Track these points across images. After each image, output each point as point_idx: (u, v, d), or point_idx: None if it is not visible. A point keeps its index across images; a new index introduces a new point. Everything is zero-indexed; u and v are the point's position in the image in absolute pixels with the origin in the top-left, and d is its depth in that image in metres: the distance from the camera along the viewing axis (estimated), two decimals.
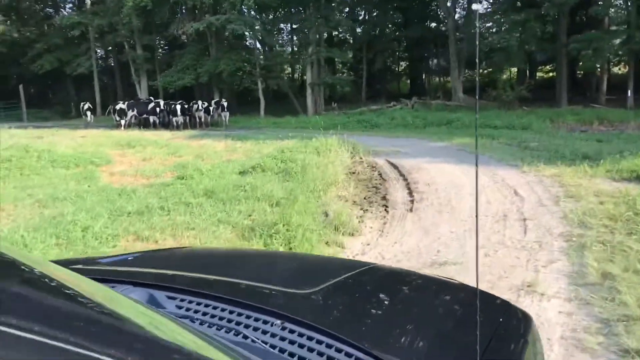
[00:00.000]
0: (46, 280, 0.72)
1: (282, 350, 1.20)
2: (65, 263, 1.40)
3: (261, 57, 31.20)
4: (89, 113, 25.17)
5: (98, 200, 7.32)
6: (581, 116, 20.47)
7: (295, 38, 35.85)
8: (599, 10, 22.25)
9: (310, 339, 1.25)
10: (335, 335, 1.26)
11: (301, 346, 1.22)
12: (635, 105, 21.78)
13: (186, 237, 5.73)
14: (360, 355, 1.20)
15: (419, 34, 32.79)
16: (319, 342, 1.24)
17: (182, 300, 1.46)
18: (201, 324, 1.32)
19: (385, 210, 7.31)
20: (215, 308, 1.41)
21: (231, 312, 1.38)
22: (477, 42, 1.97)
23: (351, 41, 37.43)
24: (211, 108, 24.08)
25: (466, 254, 5.27)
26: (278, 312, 1.38)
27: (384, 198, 7.98)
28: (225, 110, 23.92)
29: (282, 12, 32.06)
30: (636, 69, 23.11)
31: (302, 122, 23.44)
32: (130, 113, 23.58)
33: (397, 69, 42.46)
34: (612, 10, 23.78)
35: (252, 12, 30.03)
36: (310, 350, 1.21)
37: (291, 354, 1.19)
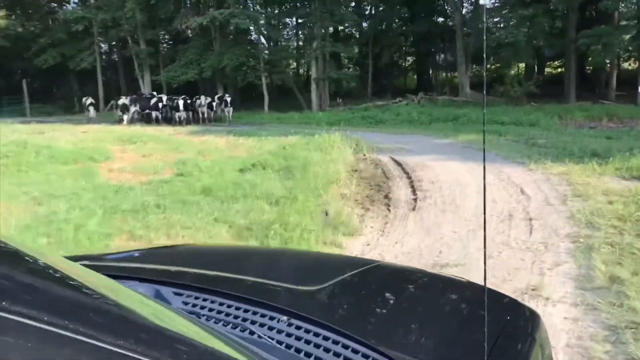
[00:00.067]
0: (50, 271, 0.71)
1: (288, 347, 1.20)
2: (71, 259, 1.32)
3: (266, 51, 31.03)
4: (91, 108, 25.04)
5: (94, 198, 7.17)
6: (590, 112, 20.17)
7: (300, 33, 35.61)
8: (609, 4, 21.85)
9: (316, 335, 1.25)
10: (341, 331, 1.26)
11: (308, 342, 1.22)
12: None
13: (181, 236, 5.58)
14: (367, 351, 1.19)
15: (425, 29, 32.46)
16: (326, 338, 1.23)
17: (188, 296, 1.46)
18: (207, 319, 1.31)
19: (387, 209, 7.14)
20: (221, 304, 1.41)
21: (237, 309, 1.38)
22: (485, 37, 1.82)
23: (357, 36, 37.14)
24: (214, 103, 23.88)
25: (469, 255, 5.09)
26: (284, 308, 1.38)
27: (386, 196, 7.80)
28: (229, 105, 23.71)
29: (287, 6, 31.79)
30: None
31: (306, 117, 23.25)
32: (132, 108, 23.42)
33: (403, 64, 42.13)
34: (623, 4, 23.35)
35: (257, 7, 29.87)
36: (317, 346, 1.21)
37: (297, 350, 1.19)
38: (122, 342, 0.62)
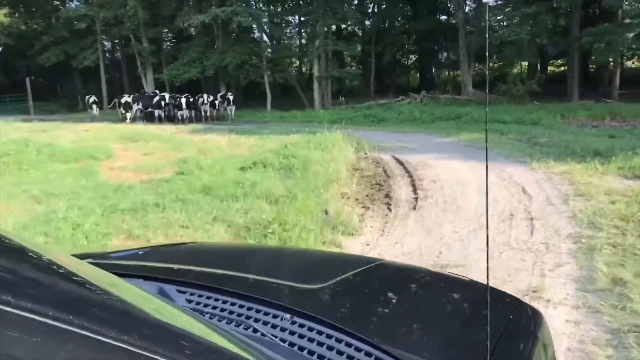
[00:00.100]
0: (54, 267, 0.71)
1: (291, 344, 1.20)
2: (75, 257, 1.29)
3: (268, 50, 30.93)
4: (94, 106, 25.06)
5: (93, 197, 7.15)
6: (593, 111, 20.03)
7: (303, 31, 35.47)
8: (613, 2, 21.69)
9: (319, 333, 1.25)
10: (344, 329, 1.26)
11: (311, 340, 1.22)
12: None
13: (179, 236, 5.54)
14: (370, 349, 1.19)
15: (428, 27, 32.32)
16: (329, 336, 1.24)
17: (192, 294, 1.46)
18: (211, 317, 1.31)
19: (387, 208, 7.09)
20: (225, 302, 1.41)
21: (241, 307, 1.38)
22: (487, 35, 1.79)
23: (360, 34, 37.01)
24: (217, 102, 23.83)
25: (469, 256, 5.04)
26: (287, 306, 1.38)
27: (387, 195, 7.75)
28: (231, 103, 23.67)
29: (290, 4, 31.71)
30: None
31: (308, 116, 23.18)
32: (135, 106, 23.41)
33: (406, 62, 41.95)
34: (626, 2, 23.22)
35: (260, 5, 29.80)
36: (320, 344, 1.21)
37: (300, 348, 1.19)
38: (125, 337, 0.62)
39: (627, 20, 23.64)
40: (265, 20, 29.57)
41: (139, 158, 11.27)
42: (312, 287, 1.66)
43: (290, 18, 34.28)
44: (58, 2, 37.43)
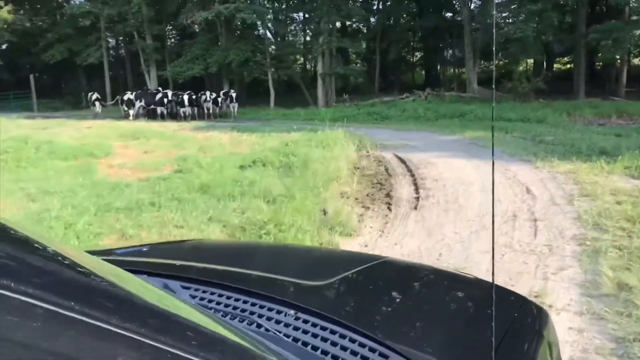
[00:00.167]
0: (59, 257, 0.71)
1: (295, 340, 1.20)
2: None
3: (272, 47, 30.79)
4: (97, 103, 24.98)
5: (89, 195, 7.03)
6: (599, 109, 19.83)
7: (307, 28, 35.29)
8: None
9: (323, 329, 1.25)
10: (348, 325, 1.26)
11: (315, 336, 1.22)
12: None
13: (173, 236, 5.41)
14: (374, 345, 1.19)
15: (434, 24, 32.06)
16: (333, 332, 1.24)
17: (196, 290, 1.47)
18: (215, 312, 1.31)
19: (388, 208, 6.94)
20: (229, 298, 1.41)
21: (245, 302, 1.38)
22: (494, 30, 1.68)
23: (365, 31, 36.80)
24: (219, 99, 23.74)
25: (470, 257, 4.90)
26: (291, 302, 1.38)
27: (388, 195, 7.61)
28: (234, 101, 23.55)
29: (294, 0, 31.52)
30: None
31: (312, 114, 22.98)
32: (138, 104, 23.33)
33: (411, 59, 41.72)
34: None
35: (264, 1, 29.63)
36: (324, 339, 1.20)
37: (304, 343, 1.19)
38: (129, 325, 0.62)
39: (635, 17, 23.36)
40: (269, 17, 29.39)
41: (139, 156, 11.16)
42: (316, 284, 1.66)
43: (294, 15, 34.13)
44: None
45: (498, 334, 1.19)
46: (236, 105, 23.69)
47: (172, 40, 37.45)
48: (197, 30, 31.48)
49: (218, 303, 1.39)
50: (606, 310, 3.65)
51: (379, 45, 33.05)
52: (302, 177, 7.91)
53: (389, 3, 33.65)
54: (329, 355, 1.15)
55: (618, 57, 23.56)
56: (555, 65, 35.78)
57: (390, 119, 21.13)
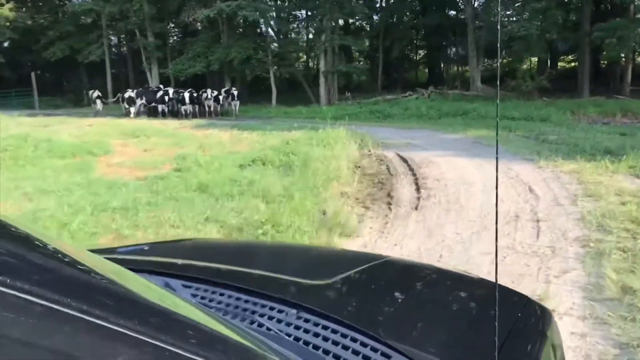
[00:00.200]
0: (60, 255, 0.70)
1: (297, 339, 1.19)
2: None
3: (275, 44, 30.66)
4: (98, 101, 24.90)
5: (85, 194, 6.96)
6: (604, 108, 19.68)
7: (309, 25, 35.14)
8: None
9: (325, 328, 1.24)
10: (350, 324, 1.25)
11: (316, 335, 1.21)
12: None
13: (170, 236, 5.32)
14: (376, 344, 1.18)
15: (437, 22, 31.92)
16: (334, 331, 1.23)
17: (197, 289, 1.46)
18: (216, 311, 1.28)
19: (388, 208, 6.84)
20: (230, 297, 1.41)
21: (246, 301, 1.38)
22: (499, 27, 1.60)
23: (368, 29, 36.65)
24: (221, 97, 23.64)
25: (471, 259, 4.80)
26: (293, 301, 1.37)
27: (388, 195, 7.50)
28: (236, 99, 23.43)
29: None
30: None
31: (313, 112, 22.88)
32: (138, 101, 23.25)
33: (415, 57, 41.53)
34: None
35: None
36: (325, 339, 1.20)
37: (306, 343, 1.18)
38: (128, 323, 0.61)
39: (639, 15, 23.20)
40: (272, 14, 29.28)
41: (138, 154, 11.09)
42: (317, 283, 1.66)
43: (297, 12, 33.99)
44: None
45: (501, 334, 1.19)
46: (237, 103, 23.57)
47: (174, 38, 37.38)
48: (199, 28, 31.34)
49: (219, 302, 1.38)
50: (609, 315, 3.55)
51: (382, 43, 32.92)
52: (302, 177, 7.82)
53: (392, 1, 33.51)
54: (331, 355, 1.15)
55: (623, 55, 23.42)
56: (559, 64, 35.55)
57: (393, 117, 21.01)
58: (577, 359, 3.10)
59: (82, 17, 33.35)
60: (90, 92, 26.11)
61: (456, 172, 8.65)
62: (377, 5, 34.57)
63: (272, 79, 29.01)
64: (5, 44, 36.64)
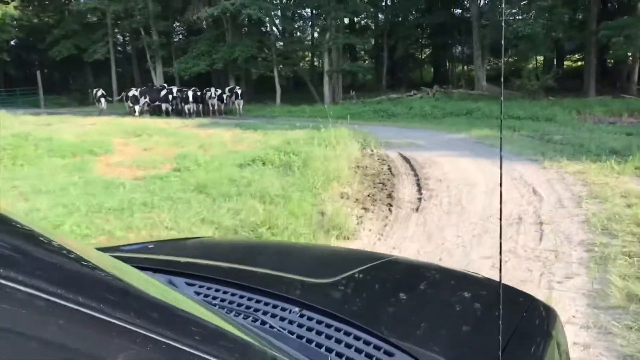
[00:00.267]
0: (64, 251, 0.68)
1: (300, 337, 1.19)
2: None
3: (279, 43, 30.54)
4: (102, 100, 24.87)
5: (81, 194, 6.86)
6: (610, 107, 19.46)
7: (315, 24, 34.99)
8: None
9: (328, 326, 1.24)
10: (353, 323, 1.25)
11: (319, 333, 1.21)
12: None
13: (163, 238, 5.22)
14: (379, 342, 1.18)
15: (442, 20, 31.74)
16: (337, 329, 1.23)
17: (200, 286, 1.46)
18: (220, 309, 1.28)
19: (389, 209, 6.72)
20: (233, 295, 1.41)
21: (250, 299, 1.37)
22: (503, 26, 1.49)
23: (373, 27, 36.47)
24: (225, 95, 23.54)
25: (471, 263, 4.67)
26: (296, 300, 1.37)
27: (389, 196, 7.38)
28: (240, 97, 23.32)
29: None
30: None
31: (317, 111, 22.74)
32: (142, 100, 23.18)
33: (420, 56, 41.33)
34: None
35: None
36: (329, 337, 1.20)
37: (309, 341, 1.18)
38: (132, 319, 0.61)
39: None
40: (277, 13, 29.16)
41: (139, 153, 10.99)
42: (322, 282, 1.65)
43: (302, 11, 33.83)
44: None
45: (505, 334, 1.18)
46: (241, 102, 23.47)
47: (179, 36, 37.35)
48: (204, 27, 31.26)
49: (223, 300, 1.38)
50: (614, 324, 3.41)
51: (387, 42, 32.75)
52: (302, 177, 7.71)
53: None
54: (334, 353, 1.14)
55: (630, 54, 23.13)
56: (565, 63, 35.27)
57: (397, 116, 20.87)
58: None
59: (88, 16, 33.32)
60: (95, 90, 26.08)
61: (459, 172, 8.52)
62: (382, 3, 34.38)
63: (276, 78, 28.89)
64: (12, 43, 36.71)
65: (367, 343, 1.18)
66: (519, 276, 4.32)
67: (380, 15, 34.59)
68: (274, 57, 28.56)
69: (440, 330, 1.38)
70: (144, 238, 5.20)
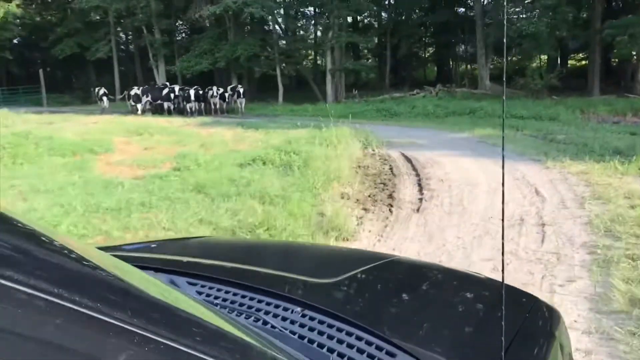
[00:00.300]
0: (65, 250, 0.68)
1: (302, 337, 1.19)
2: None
3: (283, 41, 30.47)
4: (104, 98, 24.86)
5: (79, 194, 6.81)
6: (614, 107, 19.36)
7: (318, 23, 34.91)
8: None
9: (330, 326, 1.24)
10: (355, 323, 1.25)
11: (321, 333, 1.21)
12: None
13: (161, 239, 5.16)
14: (381, 343, 1.18)
15: (445, 19, 31.62)
16: (339, 329, 1.23)
17: (202, 286, 1.46)
18: (221, 308, 1.28)
19: (389, 210, 6.64)
20: (235, 294, 1.40)
21: (251, 299, 1.37)
22: (505, 25, 1.43)
23: (376, 26, 36.37)
24: (227, 94, 23.50)
25: (472, 265, 4.60)
26: (298, 300, 1.37)
27: (390, 196, 7.31)
28: (242, 96, 23.29)
29: None
30: None
31: (319, 110, 22.66)
32: (144, 99, 23.16)
33: (423, 55, 41.19)
34: None
35: None
36: (330, 337, 1.19)
37: (311, 341, 1.17)
38: (133, 319, 0.60)
39: None
40: (280, 11, 29.07)
41: (139, 152, 10.95)
42: (323, 282, 1.65)
43: (305, 9, 33.74)
44: None
45: (508, 334, 1.17)
46: (244, 100, 23.44)
47: (181, 35, 37.30)
48: (206, 25, 31.21)
49: (224, 299, 1.38)
50: (617, 330, 3.34)
51: (390, 41, 32.65)
52: (302, 177, 7.65)
53: None
54: (335, 353, 1.14)
55: (634, 53, 23.01)
56: (569, 62, 35.13)
57: (400, 115, 20.79)
58: None
59: (90, 14, 33.30)
60: (97, 89, 26.07)
61: (460, 172, 8.45)
62: (386, 2, 34.25)
63: (278, 77, 28.82)
64: (14, 41, 36.73)
65: (369, 343, 1.18)
66: (520, 279, 4.24)
67: (383, 14, 34.49)
68: (277, 56, 28.49)
69: (442, 331, 1.37)
70: (141, 238, 5.15)
